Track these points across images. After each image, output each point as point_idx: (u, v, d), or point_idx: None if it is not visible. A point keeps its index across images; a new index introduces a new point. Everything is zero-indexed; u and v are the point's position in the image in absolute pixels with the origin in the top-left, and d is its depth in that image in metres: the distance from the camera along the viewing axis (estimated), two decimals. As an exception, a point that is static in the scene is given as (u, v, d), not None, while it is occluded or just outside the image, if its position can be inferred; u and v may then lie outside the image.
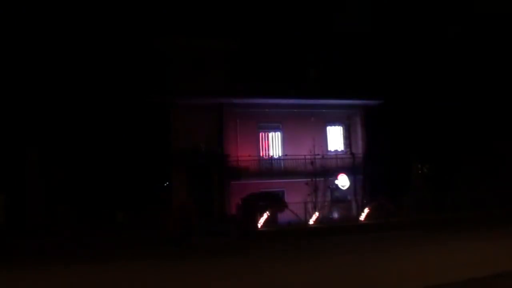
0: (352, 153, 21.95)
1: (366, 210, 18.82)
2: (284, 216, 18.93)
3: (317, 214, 18.52)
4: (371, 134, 24.12)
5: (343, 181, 22.27)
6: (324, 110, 23.88)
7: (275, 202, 18.73)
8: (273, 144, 23.47)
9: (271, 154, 23.27)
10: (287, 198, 20.91)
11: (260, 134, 23.34)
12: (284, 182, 22.27)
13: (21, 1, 23.73)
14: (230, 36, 23.28)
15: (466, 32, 26.34)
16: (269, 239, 15.76)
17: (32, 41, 23.51)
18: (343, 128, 24.19)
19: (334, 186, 22.17)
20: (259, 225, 17.05)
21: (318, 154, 21.67)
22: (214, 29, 24.02)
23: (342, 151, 23.79)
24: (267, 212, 17.38)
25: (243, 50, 23.89)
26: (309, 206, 19.37)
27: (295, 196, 19.92)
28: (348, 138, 22.79)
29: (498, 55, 25.49)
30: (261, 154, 23.10)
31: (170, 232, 14.96)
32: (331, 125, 24.34)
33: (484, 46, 25.86)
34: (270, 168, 22.76)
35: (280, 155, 23.22)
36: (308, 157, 21.51)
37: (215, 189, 21.71)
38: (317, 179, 20.26)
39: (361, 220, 18.55)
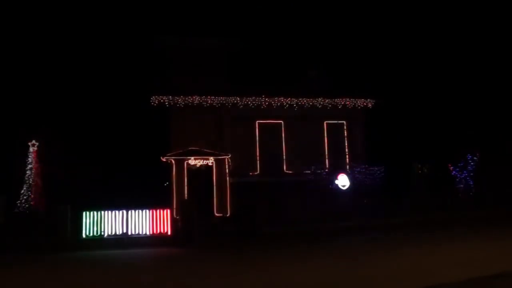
0: (351, 153, 21.95)
1: (366, 210, 18.85)
2: (285, 216, 18.95)
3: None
4: (371, 134, 24.14)
5: (343, 181, 22.28)
6: (324, 110, 23.90)
7: (275, 202, 18.73)
8: (273, 144, 23.44)
9: (270, 154, 23.26)
10: (287, 198, 20.90)
11: (260, 134, 23.32)
12: (284, 181, 22.27)
13: (22, 0, 23.78)
14: (230, 36, 23.30)
15: (465, 32, 26.35)
16: (269, 239, 15.76)
17: (32, 42, 23.57)
18: (343, 128, 24.18)
19: (334, 186, 22.18)
20: (259, 225, 17.06)
21: (318, 154, 21.66)
22: (214, 29, 24.06)
23: (342, 151, 23.77)
24: (267, 212, 17.38)
25: (243, 50, 23.91)
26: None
27: (295, 196, 19.92)
28: (348, 138, 22.76)
29: (498, 54, 25.51)
30: (261, 154, 23.09)
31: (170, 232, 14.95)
32: (331, 125, 24.34)
33: (483, 46, 25.88)
34: (270, 167, 22.76)
35: (280, 154, 23.21)
36: (308, 157, 21.49)
37: (215, 189, 21.72)
38: (317, 179, 20.27)
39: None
